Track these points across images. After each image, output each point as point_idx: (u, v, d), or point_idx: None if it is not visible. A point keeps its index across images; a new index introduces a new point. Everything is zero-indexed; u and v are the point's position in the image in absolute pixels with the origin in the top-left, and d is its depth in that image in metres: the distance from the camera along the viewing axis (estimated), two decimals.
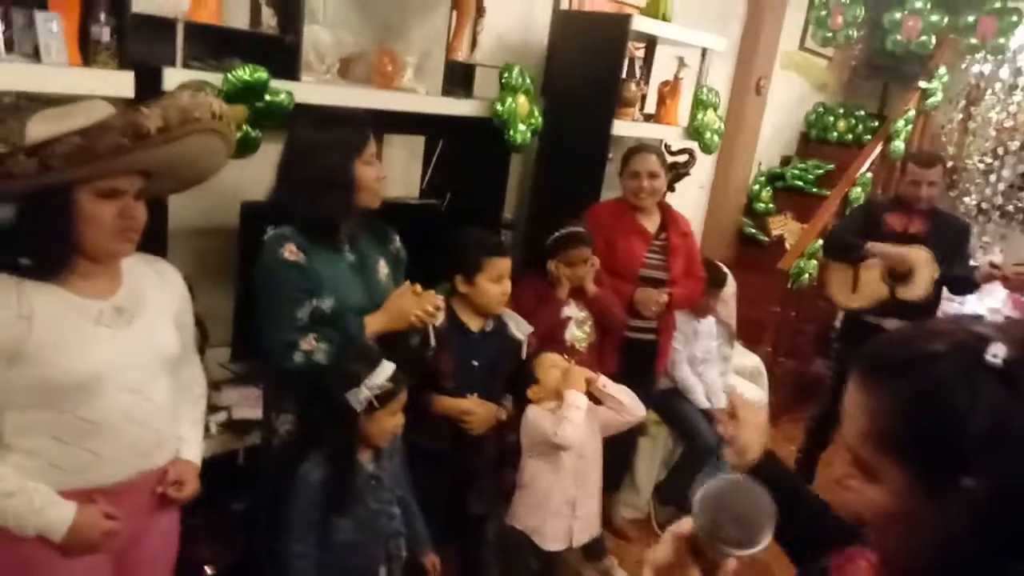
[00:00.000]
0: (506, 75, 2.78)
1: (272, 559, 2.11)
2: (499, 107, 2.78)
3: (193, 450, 1.80)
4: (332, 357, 1.91)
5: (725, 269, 3.56)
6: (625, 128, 3.31)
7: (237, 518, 2.42)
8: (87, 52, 1.87)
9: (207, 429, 2.32)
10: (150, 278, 1.68)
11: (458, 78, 2.83)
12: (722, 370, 3.66)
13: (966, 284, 3.49)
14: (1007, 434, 0.69)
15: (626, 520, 3.45)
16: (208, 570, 2.41)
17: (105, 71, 1.88)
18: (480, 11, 2.82)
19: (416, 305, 1.98)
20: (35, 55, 1.78)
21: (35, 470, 1.51)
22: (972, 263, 3.48)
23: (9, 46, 1.77)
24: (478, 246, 2.36)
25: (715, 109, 3.69)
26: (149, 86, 1.94)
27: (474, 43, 2.84)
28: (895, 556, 0.79)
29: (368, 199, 2.01)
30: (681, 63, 3.57)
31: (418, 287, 2.02)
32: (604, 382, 2.46)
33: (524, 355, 2.44)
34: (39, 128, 1.41)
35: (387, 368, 1.89)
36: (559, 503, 2.40)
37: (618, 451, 3.24)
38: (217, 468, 2.14)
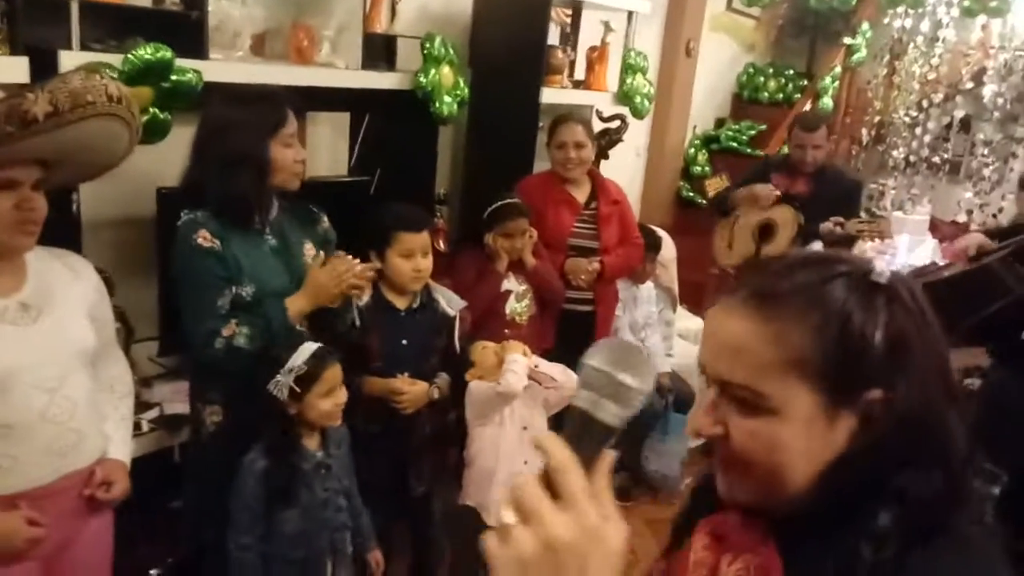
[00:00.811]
0: (428, 45, 2.72)
1: (217, 553, 2.06)
2: (422, 79, 2.72)
3: (121, 449, 1.75)
4: (253, 341, 1.85)
5: (661, 233, 3.58)
6: (555, 96, 3.28)
7: (176, 516, 2.36)
8: None
9: (138, 427, 2.26)
10: (59, 272, 1.62)
11: (378, 51, 2.76)
12: (664, 335, 3.69)
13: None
14: (901, 342, 0.74)
15: None
16: (152, 572, 2.35)
17: None
18: None
19: (335, 278, 1.91)
20: None
21: None
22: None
23: None
24: (389, 220, 2.30)
25: (644, 73, 3.68)
26: (45, 71, 1.85)
27: (393, 13, 2.78)
28: (776, 488, 0.77)
29: (285, 180, 1.94)
30: (607, 27, 3.55)
31: (322, 257, 1.95)
32: (536, 362, 2.44)
33: (457, 332, 2.40)
34: None
35: (305, 350, 1.83)
36: (505, 477, 2.39)
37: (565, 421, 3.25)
38: (151, 466, 2.08)
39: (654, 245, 3.47)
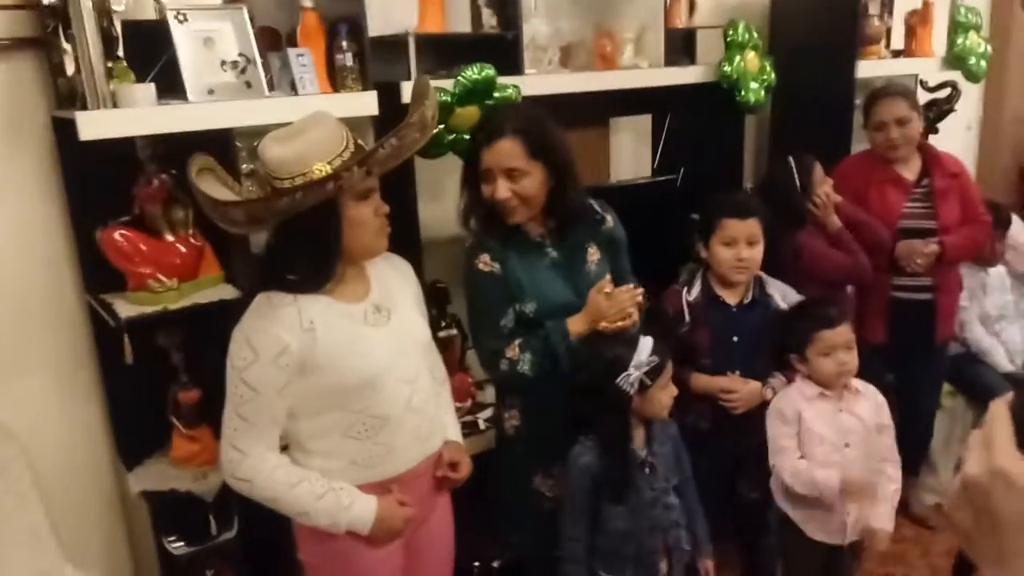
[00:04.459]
0: (731, 32, 2.63)
1: (534, 551, 2.11)
2: (727, 68, 2.63)
3: (457, 432, 1.85)
4: (535, 368, 1.86)
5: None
6: (871, 68, 3.00)
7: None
8: (334, 79, 2.02)
9: (476, 426, 2.42)
10: (390, 273, 1.73)
11: (679, 47, 2.73)
12: None
13: None
14: None
15: (926, 506, 3.08)
16: (476, 564, 2.46)
17: (352, 94, 2.02)
18: None
19: (607, 307, 1.85)
20: (292, 89, 1.95)
21: (336, 470, 1.61)
22: None
23: (271, 85, 1.95)
24: (713, 208, 2.21)
25: (978, 31, 3.24)
26: (389, 101, 2.06)
27: (692, 7, 2.72)
28: None
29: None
30: None
31: (607, 286, 1.87)
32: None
33: None
34: (274, 149, 1.48)
35: (647, 343, 1.82)
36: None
37: (914, 429, 2.92)
38: (484, 464, 2.18)
39: (1003, 222, 3.01)
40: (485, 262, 1.89)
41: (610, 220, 2.02)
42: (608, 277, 1.91)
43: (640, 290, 1.90)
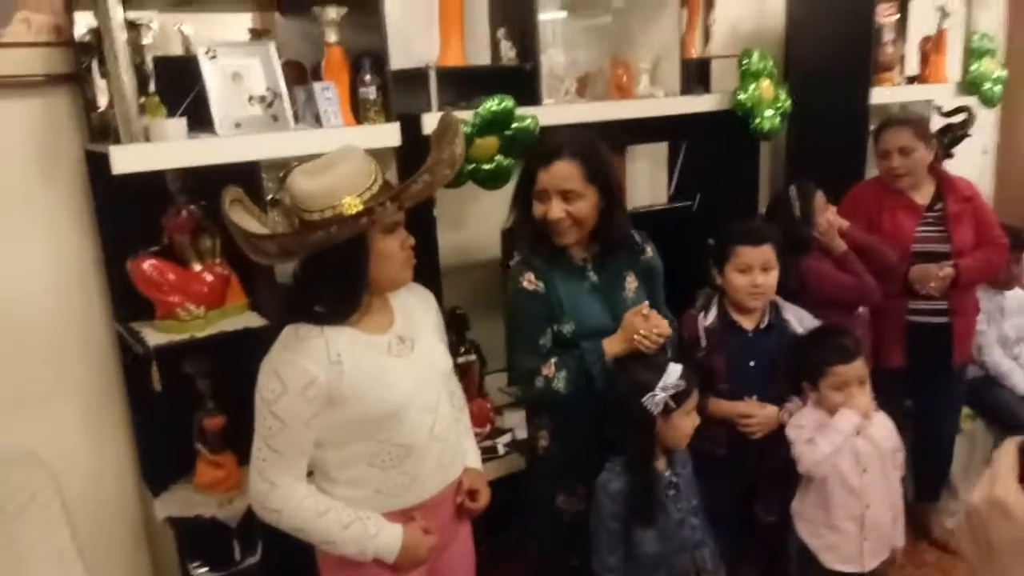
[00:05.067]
0: (746, 61, 2.67)
1: (553, 561, 2.13)
2: (741, 96, 2.66)
3: (476, 458, 1.86)
4: (570, 385, 1.90)
5: None
6: (886, 95, 3.02)
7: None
8: (358, 111, 2.07)
9: (494, 451, 2.43)
10: (413, 303, 1.75)
11: (694, 75, 2.77)
12: None
13: None
14: None
15: (948, 531, 3.05)
16: None
17: (375, 126, 2.07)
18: (710, 3, 2.75)
19: (639, 327, 1.88)
20: (317, 122, 2.00)
21: (361, 499, 1.62)
22: None
23: (296, 118, 2.00)
24: (727, 235, 2.24)
25: (992, 56, 3.26)
26: (411, 133, 2.10)
27: (707, 37, 2.76)
28: None
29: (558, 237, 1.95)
30: (943, 13, 3.20)
31: (645, 308, 1.91)
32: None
33: None
34: (304, 183, 1.50)
35: (676, 368, 1.85)
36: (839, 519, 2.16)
37: (934, 454, 2.91)
38: (507, 488, 2.20)
39: (1020, 244, 3.00)
40: (530, 280, 1.94)
41: (649, 251, 2.07)
42: (646, 303, 1.96)
43: (669, 330, 1.92)
